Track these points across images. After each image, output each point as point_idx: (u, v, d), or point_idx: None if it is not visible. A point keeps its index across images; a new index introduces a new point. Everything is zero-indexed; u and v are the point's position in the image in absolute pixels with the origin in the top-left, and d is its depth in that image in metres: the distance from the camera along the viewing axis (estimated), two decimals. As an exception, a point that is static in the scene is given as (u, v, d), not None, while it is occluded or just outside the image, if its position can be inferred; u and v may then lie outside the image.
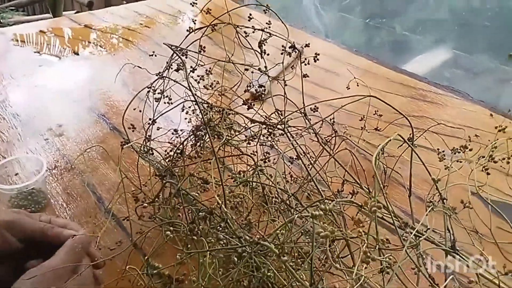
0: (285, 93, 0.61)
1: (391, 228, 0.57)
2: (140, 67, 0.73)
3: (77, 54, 1.22)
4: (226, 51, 0.63)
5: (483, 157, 0.53)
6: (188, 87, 0.49)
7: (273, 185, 0.55)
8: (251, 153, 0.65)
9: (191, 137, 0.68)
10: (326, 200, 0.39)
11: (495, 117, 0.95)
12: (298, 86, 0.64)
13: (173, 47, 0.55)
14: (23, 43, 1.27)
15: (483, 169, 0.53)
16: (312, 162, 0.61)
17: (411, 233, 0.41)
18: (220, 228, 0.44)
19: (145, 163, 0.70)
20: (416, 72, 1.19)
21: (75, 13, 2.89)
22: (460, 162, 0.58)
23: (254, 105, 0.66)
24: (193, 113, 0.75)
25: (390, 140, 0.42)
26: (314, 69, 0.64)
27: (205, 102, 0.61)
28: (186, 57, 0.59)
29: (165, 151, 0.70)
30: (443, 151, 0.63)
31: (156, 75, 0.63)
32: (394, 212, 0.45)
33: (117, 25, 1.42)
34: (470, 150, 0.57)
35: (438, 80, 1.14)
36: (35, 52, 1.21)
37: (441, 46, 1.68)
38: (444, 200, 0.46)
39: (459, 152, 0.57)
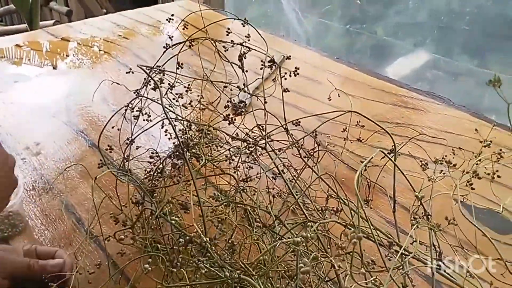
0: (265, 108, 0.60)
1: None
2: (119, 84, 0.71)
3: (55, 68, 1.19)
4: (202, 63, 0.62)
5: (468, 172, 0.53)
6: (163, 108, 0.48)
7: (255, 206, 0.54)
8: (233, 168, 0.64)
9: (171, 157, 0.67)
10: (309, 223, 0.38)
11: (476, 122, 0.96)
12: (280, 95, 0.63)
13: (147, 68, 0.53)
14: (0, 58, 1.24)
15: (468, 184, 0.53)
16: (295, 176, 0.60)
17: (397, 251, 0.40)
18: (201, 259, 0.43)
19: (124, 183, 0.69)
20: (397, 74, 1.20)
21: (54, 23, 2.84)
22: (444, 173, 0.58)
23: (235, 120, 0.65)
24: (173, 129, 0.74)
25: (372, 157, 0.41)
26: (295, 78, 0.63)
27: (184, 119, 0.59)
28: (164, 75, 0.58)
29: (145, 170, 0.69)
30: (426, 163, 0.63)
31: (134, 93, 0.62)
32: (377, 229, 0.45)
33: (95, 37, 1.39)
34: (454, 165, 0.57)
35: (420, 82, 1.15)
36: (11, 66, 1.18)
37: (421, 50, 1.69)
38: (429, 216, 0.46)
39: (441, 163, 0.57)
